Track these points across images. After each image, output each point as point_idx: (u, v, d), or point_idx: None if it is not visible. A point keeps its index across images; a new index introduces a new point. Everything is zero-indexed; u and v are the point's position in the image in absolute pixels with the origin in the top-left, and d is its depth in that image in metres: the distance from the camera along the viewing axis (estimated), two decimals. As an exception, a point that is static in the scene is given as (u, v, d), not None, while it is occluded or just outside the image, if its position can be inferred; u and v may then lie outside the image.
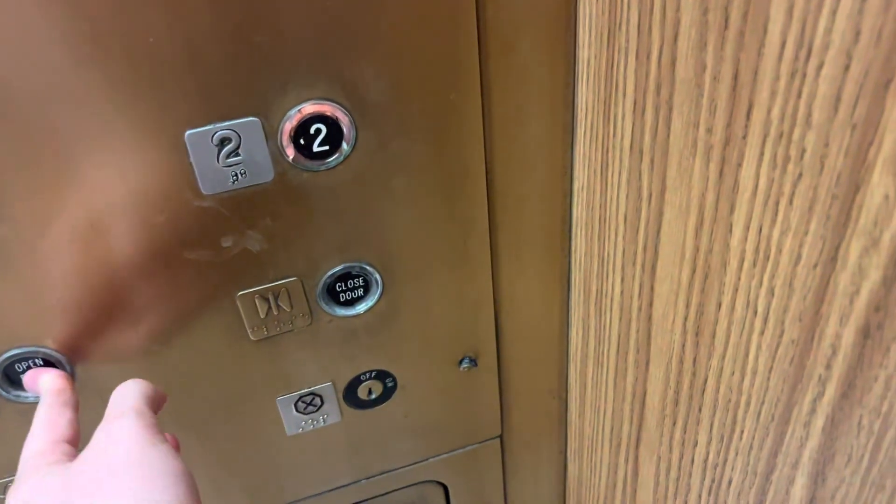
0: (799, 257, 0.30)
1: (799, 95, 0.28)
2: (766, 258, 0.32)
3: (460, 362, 0.57)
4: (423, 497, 0.65)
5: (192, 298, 0.46)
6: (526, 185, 0.50)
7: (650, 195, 0.41)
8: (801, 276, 0.30)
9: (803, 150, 0.28)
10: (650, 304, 0.44)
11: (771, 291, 0.32)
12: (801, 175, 0.29)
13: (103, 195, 0.41)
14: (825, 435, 0.32)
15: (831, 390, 0.30)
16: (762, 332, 0.34)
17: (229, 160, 0.42)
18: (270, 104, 0.41)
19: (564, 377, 0.61)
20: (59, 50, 0.36)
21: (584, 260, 0.52)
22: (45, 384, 0.42)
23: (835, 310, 0.29)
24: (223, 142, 0.41)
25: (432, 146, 0.45)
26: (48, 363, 0.45)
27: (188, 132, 0.40)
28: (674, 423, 0.45)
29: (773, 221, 0.31)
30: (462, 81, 0.44)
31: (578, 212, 0.51)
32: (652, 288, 0.43)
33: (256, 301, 0.47)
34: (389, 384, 0.56)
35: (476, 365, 0.57)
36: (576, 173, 0.49)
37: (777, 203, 0.31)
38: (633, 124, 0.40)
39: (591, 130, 0.46)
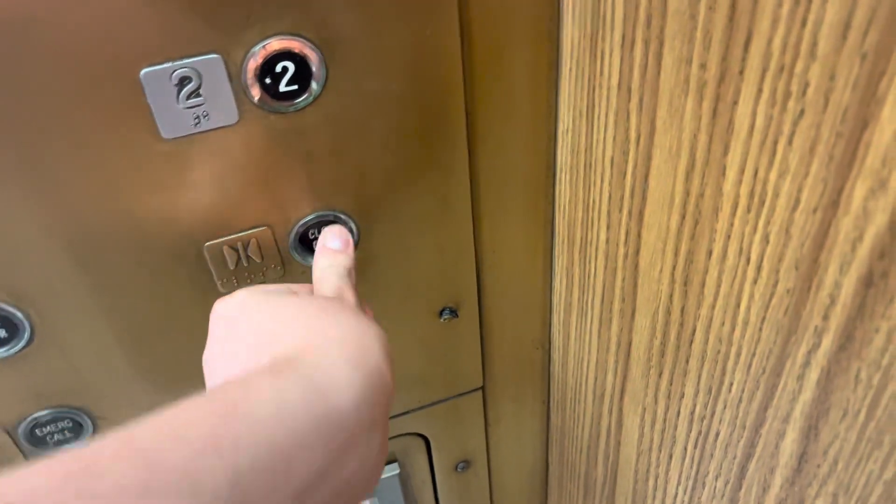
0: (797, 202, 0.28)
1: (803, 23, 0.25)
2: (762, 203, 0.30)
3: (441, 313, 0.55)
4: (405, 450, 0.64)
5: (156, 250, 0.44)
6: (508, 129, 0.48)
7: (638, 137, 0.38)
8: (798, 221, 0.28)
9: (806, 85, 0.26)
10: (637, 252, 0.42)
11: (766, 238, 0.31)
12: (802, 112, 0.27)
13: (57, 141, 0.38)
14: (819, 388, 0.30)
15: (828, 342, 0.29)
16: (755, 282, 0.32)
17: (190, 101, 0.39)
18: (233, 40, 0.38)
19: (548, 327, 0.60)
20: (-5, -23, 0.33)
21: (568, 207, 0.50)
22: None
23: (835, 257, 0.27)
24: (183, 81, 0.38)
25: (408, 86, 0.43)
26: (3, 318, 0.43)
27: (144, 70, 0.37)
28: (660, 375, 0.43)
29: (771, 163, 0.29)
30: (439, 16, 0.41)
31: (563, 156, 0.48)
32: (639, 235, 0.41)
33: (225, 252, 0.45)
34: (367, 336, 0.54)
35: (457, 315, 0.55)
36: (560, 115, 0.47)
37: (775, 143, 0.28)
38: (622, 61, 0.38)
39: (576, 69, 0.43)
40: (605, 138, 0.42)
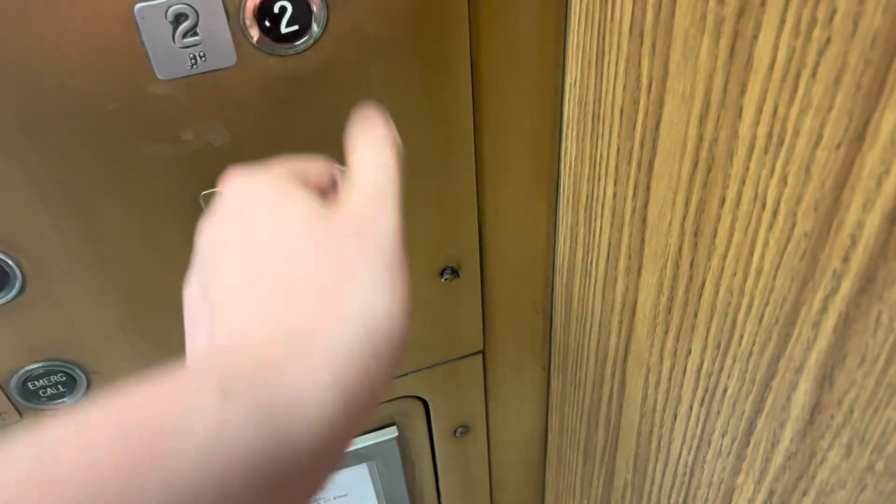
0: (819, 137, 0.27)
1: (833, -55, 0.24)
2: (781, 143, 0.29)
3: (441, 273, 0.54)
4: (404, 413, 0.63)
5: (151, 198, 0.42)
6: (514, 80, 0.46)
7: (650, 83, 0.37)
8: (820, 159, 0.27)
9: (833, 11, 0.25)
10: (645, 206, 0.41)
11: (784, 180, 0.29)
12: (829, 40, 0.25)
13: (46, 77, 0.36)
14: (836, 335, 0.29)
15: (847, 285, 0.28)
16: (770, 227, 0.31)
17: (186, 40, 0.37)
18: (231, -25, 0.36)
19: (550, 290, 0.59)
20: None
21: (574, 163, 0.49)
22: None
23: (858, 194, 0.26)
24: (178, 18, 0.37)
25: (411, 31, 0.41)
26: (-4, 266, 0.42)
27: (138, 5, 0.36)
28: (665, 332, 0.43)
29: (792, 99, 0.28)
30: (445, -44, 0.39)
31: (570, 109, 0.47)
32: (648, 187, 0.40)
33: (221, 201, 0.44)
34: (366, 295, 0.53)
35: (458, 276, 0.54)
36: (568, 66, 0.46)
37: (797, 77, 0.27)
38: (634, 3, 0.36)
39: (586, 15, 0.42)
40: (614, 87, 0.41)
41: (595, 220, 0.48)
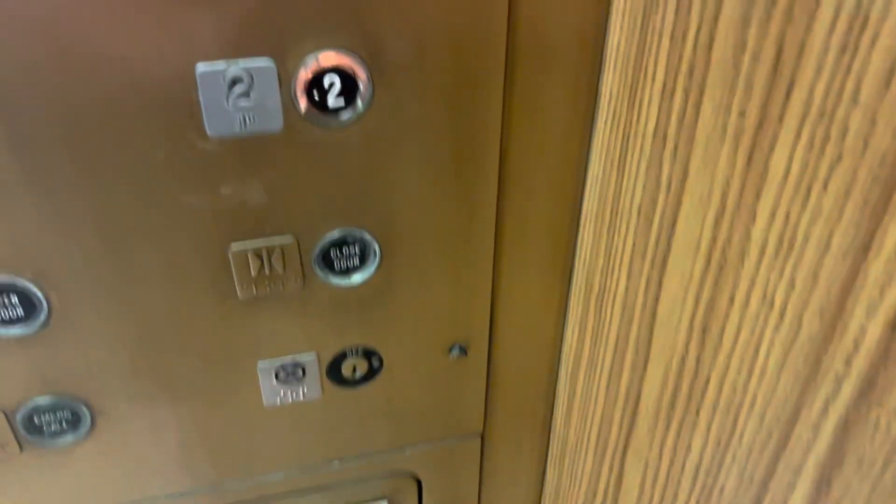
0: (828, 246, 0.29)
1: (848, 71, 0.26)
2: (790, 248, 0.31)
3: (450, 349, 0.55)
4: (396, 489, 0.63)
5: (182, 245, 0.44)
6: (539, 172, 0.49)
7: (669, 184, 0.39)
8: (827, 265, 0.29)
9: (846, 130, 0.27)
10: (656, 301, 0.43)
11: (791, 283, 0.31)
12: (840, 157, 0.27)
13: (105, 122, 0.39)
14: (835, 437, 0.30)
15: (848, 389, 0.29)
16: (777, 328, 0.32)
17: (239, 102, 0.40)
18: (288, 47, 0.39)
19: (554, 379, 0.60)
20: (76, -42, 0.34)
21: (589, 255, 0.50)
22: None
23: (862, 301, 0.27)
24: (235, 82, 0.39)
25: (448, 116, 0.44)
26: (23, 295, 0.43)
27: (200, 66, 0.39)
28: (667, 427, 0.43)
29: (803, 207, 0.30)
30: (487, 51, 0.42)
31: (589, 204, 0.49)
32: (660, 283, 0.42)
33: (249, 257, 0.46)
34: (375, 363, 0.54)
35: (466, 354, 0.55)
36: (591, 163, 0.48)
37: (809, 188, 0.29)
38: (660, 109, 0.39)
39: (613, 117, 0.44)
40: (634, 186, 0.43)
41: (605, 311, 0.49)
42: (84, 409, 0.49)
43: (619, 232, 0.46)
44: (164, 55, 0.38)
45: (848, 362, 0.29)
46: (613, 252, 0.47)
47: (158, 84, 0.39)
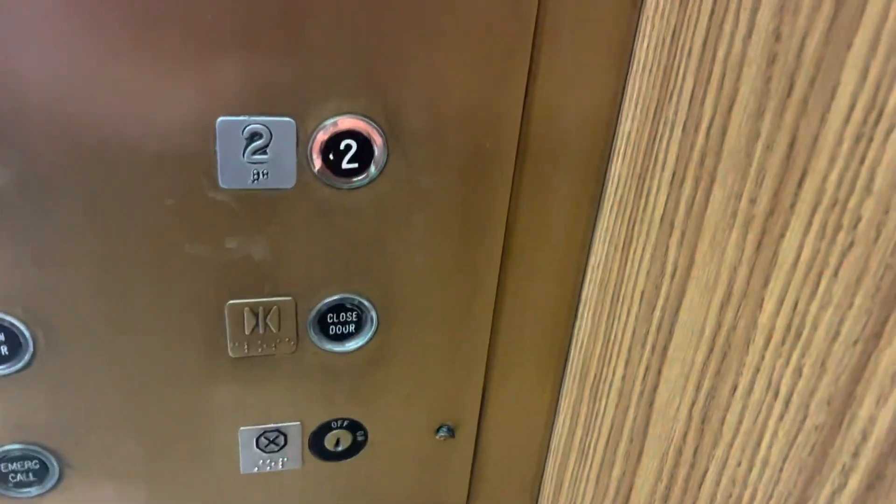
0: (837, 334, 0.29)
1: (862, 161, 0.27)
2: (798, 335, 0.31)
3: (438, 429, 0.53)
4: (367, 577, 0.60)
5: (179, 295, 0.44)
6: (542, 254, 0.49)
7: (674, 271, 0.39)
8: (836, 354, 0.29)
9: (858, 219, 0.27)
10: (654, 390, 0.42)
11: (798, 371, 0.31)
12: (852, 244, 0.28)
13: (117, 163, 0.39)
14: (841, 534, 0.29)
15: (854, 481, 0.28)
16: (781, 418, 0.32)
17: (255, 157, 0.40)
18: (309, 108, 0.40)
19: (541, 468, 0.58)
20: (117, 13, 0.35)
21: (586, 341, 0.50)
22: None
23: (872, 390, 0.27)
24: (253, 136, 0.40)
25: (458, 190, 0.45)
26: (10, 333, 0.42)
27: (220, 118, 0.39)
28: (660, 523, 0.42)
29: (813, 295, 0.30)
30: (501, 130, 0.43)
31: (589, 290, 0.49)
32: (659, 371, 0.41)
33: (245, 314, 0.45)
34: (360, 438, 0.52)
35: (453, 435, 0.54)
36: (594, 248, 0.48)
37: (819, 275, 0.29)
38: (668, 197, 0.40)
39: (619, 204, 0.45)
40: (638, 272, 0.43)
41: (600, 400, 0.48)
42: (53, 460, 0.47)
43: (619, 319, 0.45)
44: (188, 106, 0.38)
45: (856, 454, 0.28)
46: (612, 339, 0.46)
47: (178, 133, 0.39)
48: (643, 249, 0.42)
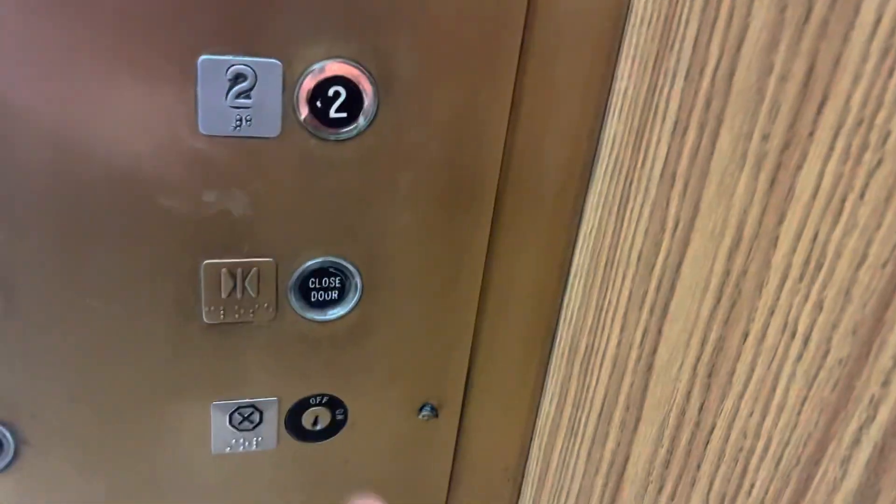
0: (864, 257, 0.27)
1: (891, 73, 0.26)
2: (819, 268, 0.29)
3: (420, 409, 0.51)
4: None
5: (149, 253, 0.41)
6: (531, 222, 0.47)
7: (676, 224, 0.38)
8: (863, 280, 0.27)
9: (887, 133, 0.26)
10: (653, 352, 0.40)
11: (819, 306, 0.29)
12: (880, 162, 0.27)
13: (89, 103, 0.37)
14: (868, 470, 0.27)
15: (885, 412, 0.27)
16: (799, 358, 0.31)
17: (238, 101, 0.38)
18: (296, 50, 0.38)
19: (525, 454, 0.56)
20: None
21: (576, 315, 0.48)
22: None
23: (904, 312, 0.26)
24: (237, 78, 0.38)
25: (448, 146, 0.43)
26: (-33, 288, 0.39)
27: (202, 57, 0.37)
28: (659, 490, 0.40)
29: (835, 223, 0.29)
30: (496, 82, 0.42)
31: (580, 260, 0.48)
32: (659, 331, 0.40)
33: (223, 275, 0.42)
34: (339, 416, 0.50)
35: (436, 415, 0.51)
36: (586, 216, 0.47)
37: (843, 200, 0.28)
38: (669, 148, 0.38)
39: (613, 165, 0.44)
40: (635, 233, 0.42)
41: (591, 373, 0.47)
42: (7, 435, 0.43)
43: (614, 285, 0.44)
44: (167, 42, 0.36)
45: (886, 382, 0.27)
46: (606, 307, 0.45)
47: (155, 72, 0.37)
48: (641, 207, 0.41)
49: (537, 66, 0.43)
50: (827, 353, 0.29)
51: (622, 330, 0.43)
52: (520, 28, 0.41)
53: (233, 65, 0.37)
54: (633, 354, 0.42)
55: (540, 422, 0.54)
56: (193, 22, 0.36)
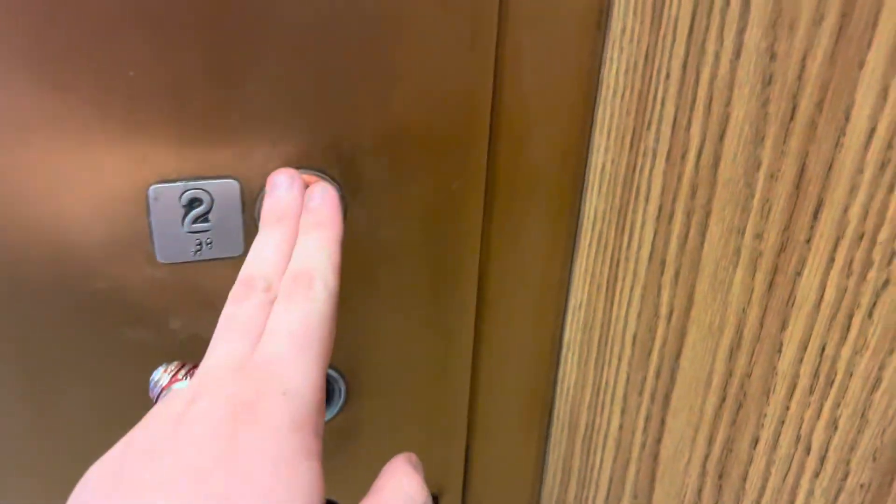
0: (878, 381, 0.26)
1: (891, 189, 0.24)
2: (829, 383, 0.28)
3: (420, 498, 0.49)
4: None
5: (124, 387, 0.38)
6: (518, 298, 0.45)
7: (671, 312, 0.36)
8: (879, 404, 0.26)
9: (892, 253, 0.24)
10: (658, 441, 0.39)
11: (833, 424, 0.28)
12: (886, 282, 0.25)
13: (39, 247, 0.34)
14: None
15: (917, 549, 0.25)
16: (817, 475, 0.29)
17: (196, 225, 0.36)
18: (253, 167, 0.36)
19: (533, 528, 0.54)
20: (26, 71, 0.31)
21: (573, 389, 0.47)
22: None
23: (929, 446, 0.24)
24: (192, 203, 0.35)
25: (426, 238, 0.41)
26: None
27: (153, 186, 0.34)
28: (678, 587, 0.38)
29: (843, 339, 0.27)
30: (467, 173, 0.40)
31: (571, 333, 0.46)
32: (663, 421, 0.38)
33: (198, 399, 0.40)
34: (336, 518, 0.47)
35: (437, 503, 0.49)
36: (573, 289, 0.45)
37: (849, 317, 0.26)
38: (656, 233, 0.37)
39: (597, 241, 0.42)
40: (627, 314, 0.40)
41: (595, 453, 0.45)
42: (-12, 586, 0.41)
43: (610, 364, 0.42)
44: (115, 174, 0.34)
45: (914, 517, 0.25)
46: (604, 386, 0.43)
47: (106, 205, 0.34)
48: (631, 289, 0.39)
49: (509, 146, 0.41)
50: (847, 475, 0.27)
51: (623, 413, 0.41)
52: (487, 110, 0.39)
53: (186, 190, 0.35)
54: (637, 440, 0.40)
55: (545, 496, 0.52)
56: (140, 149, 0.34)
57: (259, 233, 0.31)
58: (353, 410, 0.44)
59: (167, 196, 0.35)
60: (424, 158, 0.38)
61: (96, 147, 0.33)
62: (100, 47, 0.31)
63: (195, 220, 0.36)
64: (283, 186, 0.33)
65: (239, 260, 0.37)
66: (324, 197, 0.32)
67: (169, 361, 0.34)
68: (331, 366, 0.42)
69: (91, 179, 0.34)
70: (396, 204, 0.39)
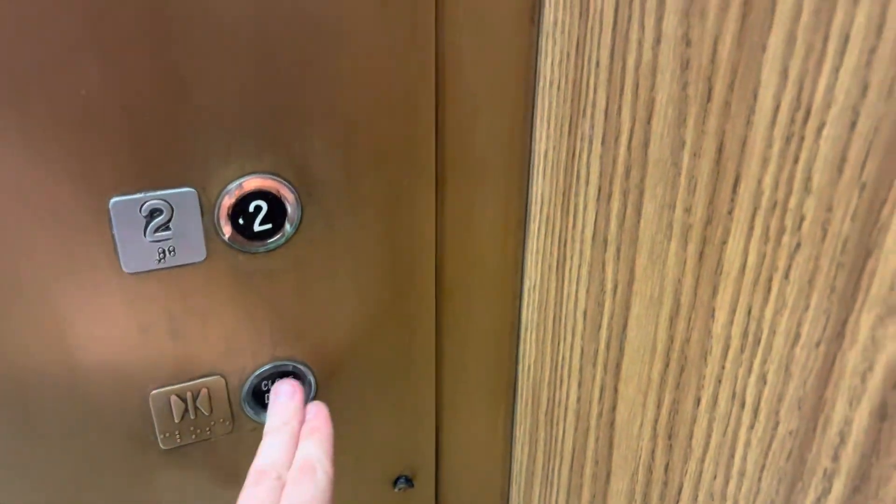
0: (797, 337, 0.28)
1: (796, 160, 0.27)
2: (757, 342, 0.30)
3: (395, 482, 0.51)
4: None
5: (96, 394, 0.40)
6: (475, 283, 0.47)
7: (615, 287, 0.38)
8: (799, 357, 0.28)
9: (801, 218, 0.27)
10: (613, 409, 0.41)
11: (762, 379, 0.30)
12: (798, 245, 0.27)
13: (5, 264, 0.35)
14: (832, 540, 0.28)
15: (839, 485, 0.27)
16: (752, 427, 0.31)
17: (158, 235, 0.37)
18: (209, 175, 0.37)
19: (506, 503, 0.56)
20: (-26, 92, 0.32)
21: (533, 367, 0.49)
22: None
23: (843, 391, 0.27)
24: (153, 213, 0.37)
25: (381, 233, 0.42)
26: None
27: (114, 199, 0.36)
28: (640, 544, 0.41)
29: (766, 300, 0.29)
30: (417, 166, 0.42)
31: (528, 314, 0.48)
32: (616, 389, 0.40)
33: (172, 401, 0.41)
34: (315, 506, 0.49)
35: (412, 485, 0.51)
36: (527, 271, 0.47)
37: (769, 280, 0.29)
38: (597, 213, 0.39)
39: (546, 224, 0.44)
40: (577, 291, 0.42)
41: (557, 424, 0.47)
42: None
43: (565, 340, 0.44)
44: (75, 191, 0.35)
45: (835, 457, 0.27)
46: (560, 362, 0.45)
47: (70, 221, 0.35)
48: (579, 267, 0.41)
49: (456, 139, 0.42)
50: (777, 424, 0.30)
51: (580, 385, 0.44)
52: (432, 105, 0.41)
53: (146, 202, 0.36)
54: (594, 410, 0.43)
55: (515, 470, 0.54)
56: (100, 165, 0.35)
57: (267, 432, 0.38)
58: (323, 401, 0.46)
59: (127, 208, 0.36)
60: (374, 155, 0.40)
61: (55, 164, 0.34)
62: (51, 69, 0.32)
63: (157, 230, 0.37)
64: (286, 394, 0.41)
65: (201, 265, 0.39)
66: (318, 410, 0.40)
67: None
68: (299, 360, 0.44)
69: (55, 195, 0.35)
70: (351, 201, 0.41)
